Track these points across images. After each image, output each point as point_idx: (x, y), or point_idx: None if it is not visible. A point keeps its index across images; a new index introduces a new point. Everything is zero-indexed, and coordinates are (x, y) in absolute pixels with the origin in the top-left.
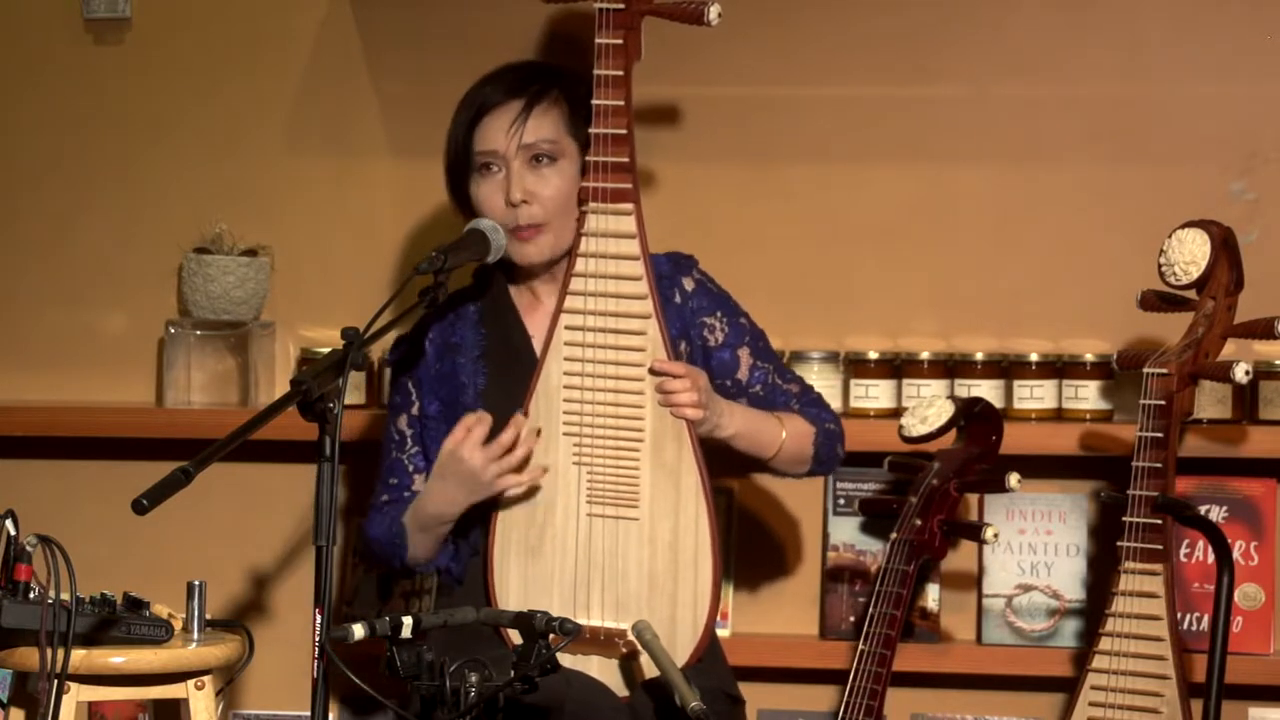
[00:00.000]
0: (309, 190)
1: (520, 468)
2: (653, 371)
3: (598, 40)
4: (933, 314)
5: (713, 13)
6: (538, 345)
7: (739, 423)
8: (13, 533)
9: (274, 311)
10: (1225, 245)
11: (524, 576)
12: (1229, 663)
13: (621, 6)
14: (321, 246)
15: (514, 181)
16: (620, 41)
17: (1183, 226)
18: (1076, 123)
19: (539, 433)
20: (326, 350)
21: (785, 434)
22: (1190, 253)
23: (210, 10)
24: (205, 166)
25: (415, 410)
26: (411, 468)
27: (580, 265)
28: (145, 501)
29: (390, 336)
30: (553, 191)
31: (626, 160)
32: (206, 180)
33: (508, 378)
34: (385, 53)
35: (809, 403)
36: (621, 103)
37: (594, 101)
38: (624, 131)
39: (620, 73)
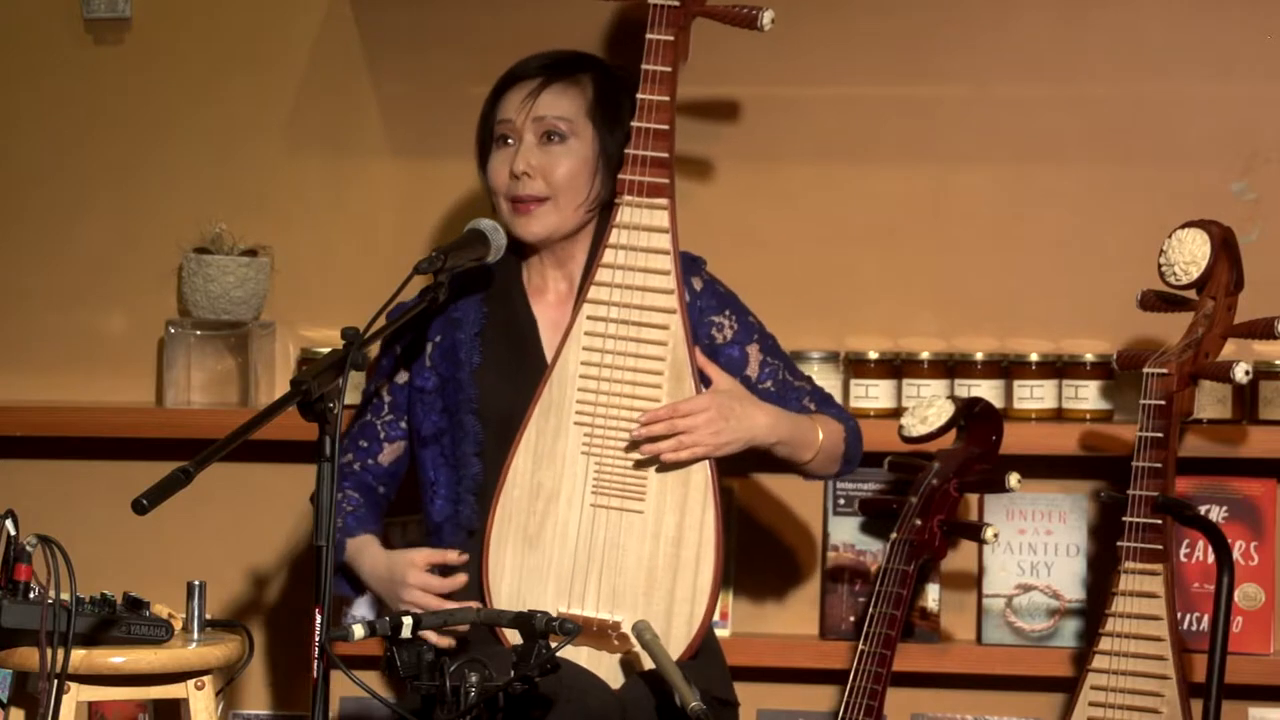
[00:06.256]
0: (309, 190)
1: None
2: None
3: (649, 36)
4: (933, 314)
5: (766, 19)
6: (542, 328)
7: (783, 429)
8: (13, 533)
9: (274, 311)
10: (1225, 245)
11: (520, 566)
12: (1229, 663)
13: (676, 4)
14: (321, 246)
15: (520, 154)
16: (671, 38)
17: (1183, 226)
18: (1076, 123)
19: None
20: (326, 350)
21: (822, 434)
22: (1190, 253)
23: (210, 10)
24: (205, 166)
25: (402, 380)
26: (383, 435)
27: (609, 256)
28: (145, 501)
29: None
30: (559, 170)
31: (665, 156)
32: (206, 180)
33: (504, 357)
34: (385, 53)
35: (823, 400)
36: (666, 99)
37: (639, 96)
38: (666, 127)
39: (668, 69)
